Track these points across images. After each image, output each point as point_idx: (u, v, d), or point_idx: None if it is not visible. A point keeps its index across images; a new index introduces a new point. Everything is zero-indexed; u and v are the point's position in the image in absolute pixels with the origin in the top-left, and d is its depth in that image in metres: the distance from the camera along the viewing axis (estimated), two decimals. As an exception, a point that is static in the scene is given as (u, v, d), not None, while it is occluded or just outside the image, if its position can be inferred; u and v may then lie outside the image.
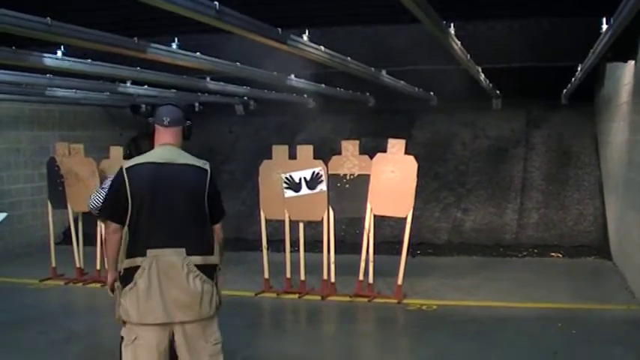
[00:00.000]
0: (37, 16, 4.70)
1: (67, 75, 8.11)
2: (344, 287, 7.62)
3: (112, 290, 3.65)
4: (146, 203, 3.47)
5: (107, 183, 4.71)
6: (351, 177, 7.48)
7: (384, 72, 8.77)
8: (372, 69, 8.33)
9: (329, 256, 7.53)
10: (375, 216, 7.46)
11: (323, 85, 10.48)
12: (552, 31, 6.74)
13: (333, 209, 7.51)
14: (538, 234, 10.24)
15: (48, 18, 4.77)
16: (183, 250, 3.46)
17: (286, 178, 7.58)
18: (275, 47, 5.71)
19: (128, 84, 9.58)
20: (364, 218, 7.44)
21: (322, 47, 6.41)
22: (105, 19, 5.67)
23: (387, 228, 9.94)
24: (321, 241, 7.62)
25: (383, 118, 12.73)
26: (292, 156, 7.75)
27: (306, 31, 5.96)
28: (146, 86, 9.98)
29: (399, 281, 7.34)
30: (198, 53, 6.73)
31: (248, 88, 10.64)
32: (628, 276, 7.89)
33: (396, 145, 7.42)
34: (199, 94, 11.46)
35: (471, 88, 10.00)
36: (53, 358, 5.86)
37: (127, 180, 3.48)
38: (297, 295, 7.64)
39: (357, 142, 7.64)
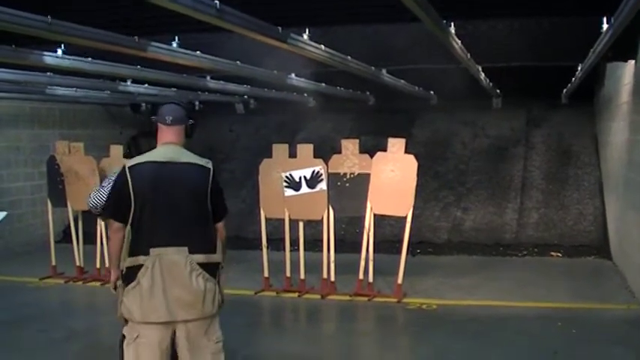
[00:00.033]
0: (38, 15, 4.71)
1: (67, 73, 8.11)
2: (344, 286, 7.63)
3: (115, 288, 3.66)
4: (149, 202, 3.48)
5: (107, 181, 4.72)
6: (351, 176, 7.48)
7: (384, 71, 8.77)
8: (373, 68, 8.33)
9: (329, 254, 7.53)
10: (375, 215, 7.46)
11: (323, 84, 10.48)
12: (553, 31, 6.74)
13: (333, 208, 7.51)
14: (538, 233, 10.24)
15: (48, 16, 4.77)
16: (186, 248, 3.46)
17: (286, 176, 7.58)
18: (275, 46, 5.70)
19: (128, 82, 9.57)
20: (364, 217, 7.44)
21: (322, 46, 6.41)
22: (105, 18, 5.67)
23: (387, 227, 9.94)
24: (321, 240, 7.63)
25: (383, 117, 12.73)
26: (292, 155, 7.75)
27: (307, 30, 5.96)
28: (146, 85, 9.99)
29: (399, 280, 7.34)
30: (198, 52, 6.72)
31: (248, 86, 10.64)
32: (628, 276, 7.89)
33: (396, 144, 7.42)
34: (199, 92, 11.45)
35: (471, 87, 10.00)
36: (53, 356, 5.86)
37: (129, 179, 3.49)
38: (296, 294, 7.64)
39: (357, 141, 7.64)
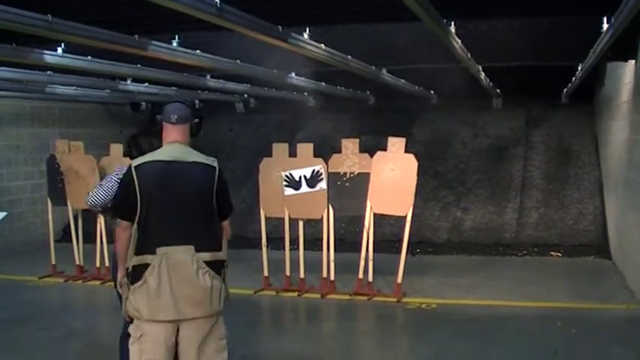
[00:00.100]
0: (38, 14, 4.71)
1: (67, 72, 8.12)
2: (343, 285, 7.63)
3: (120, 286, 3.67)
4: (155, 201, 3.49)
5: (106, 180, 4.72)
6: (351, 175, 7.48)
7: (384, 70, 8.77)
8: (373, 67, 8.33)
9: (328, 254, 7.53)
10: (374, 214, 7.46)
11: (323, 84, 10.48)
12: (553, 31, 6.74)
13: (333, 207, 7.51)
14: (538, 233, 10.24)
15: (48, 15, 4.78)
16: (192, 247, 3.48)
17: (286, 176, 7.58)
18: (275, 45, 5.71)
19: (128, 81, 9.58)
20: (364, 216, 7.44)
21: (323, 45, 6.41)
22: (105, 17, 5.68)
23: (387, 226, 9.94)
24: (321, 239, 7.62)
25: (383, 116, 12.73)
26: (292, 154, 7.75)
27: (307, 29, 5.97)
28: (146, 84, 9.99)
29: (399, 280, 7.34)
30: (198, 51, 6.73)
31: (248, 85, 10.64)
32: (628, 275, 7.89)
33: (396, 144, 7.42)
34: (199, 91, 11.46)
35: (472, 86, 10.00)
36: (53, 355, 5.86)
37: (135, 178, 3.50)
38: (296, 293, 7.64)
39: (357, 140, 7.64)
